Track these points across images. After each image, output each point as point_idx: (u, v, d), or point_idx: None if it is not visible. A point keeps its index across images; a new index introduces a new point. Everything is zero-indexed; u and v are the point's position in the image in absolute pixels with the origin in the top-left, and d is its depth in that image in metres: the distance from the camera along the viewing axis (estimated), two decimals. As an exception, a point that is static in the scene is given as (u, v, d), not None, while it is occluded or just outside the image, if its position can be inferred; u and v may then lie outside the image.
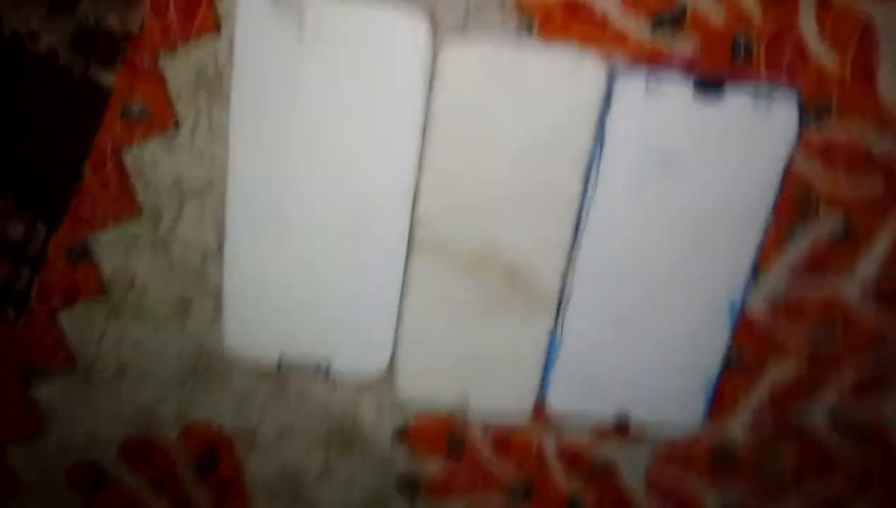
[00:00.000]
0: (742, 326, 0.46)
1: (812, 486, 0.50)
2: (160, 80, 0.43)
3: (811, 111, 0.42)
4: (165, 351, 0.48)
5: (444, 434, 0.50)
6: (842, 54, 0.41)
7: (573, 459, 0.50)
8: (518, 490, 0.51)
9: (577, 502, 0.51)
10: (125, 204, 0.45)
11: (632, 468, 0.50)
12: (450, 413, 0.49)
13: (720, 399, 0.48)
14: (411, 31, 0.39)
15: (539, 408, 0.48)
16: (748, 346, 0.47)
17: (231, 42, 0.41)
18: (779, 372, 0.48)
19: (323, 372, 0.47)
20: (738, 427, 0.49)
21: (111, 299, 0.47)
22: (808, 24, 0.41)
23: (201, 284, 0.47)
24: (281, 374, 0.49)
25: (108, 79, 0.43)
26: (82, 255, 0.46)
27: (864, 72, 0.42)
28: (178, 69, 0.42)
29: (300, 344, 0.47)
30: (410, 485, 0.51)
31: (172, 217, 0.45)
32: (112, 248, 0.46)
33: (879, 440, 0.50)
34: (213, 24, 0.42)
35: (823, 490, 0.51)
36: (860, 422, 0.49)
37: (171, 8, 0.41)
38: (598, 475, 0.50)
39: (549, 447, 0.50)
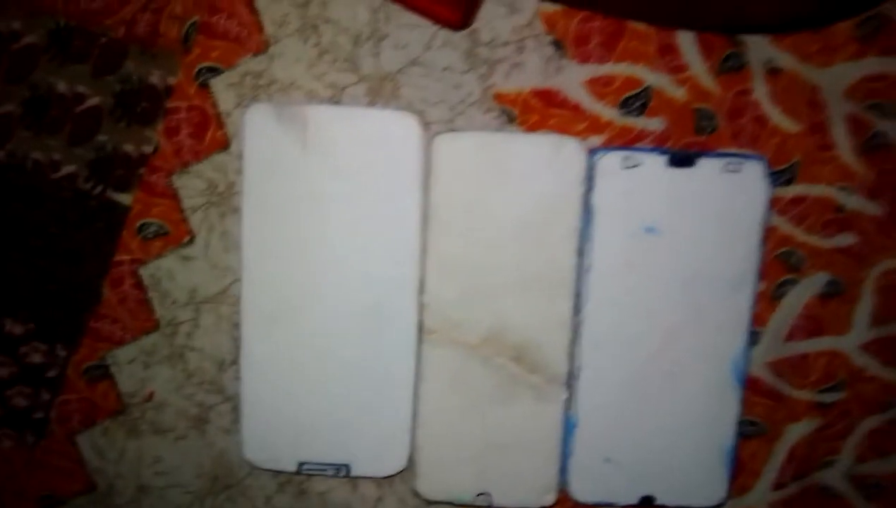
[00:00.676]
0: (750, 391, 0.47)
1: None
2: (174, 197, 0.46)
3: (778, 173, 0.46)
4: (185, 466, 0.49)
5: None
6: (797, 118, 0.45)
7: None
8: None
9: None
10: (142, 319, 0.47)
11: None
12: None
13: (741, 470, 0.49)
14: (405, 129, 0.43)
15: (563, 497, 0.48)
16: (760, 412, 0.48)
17: (239, 156, 0.45)
18: (793, 436, 0.49)
19: (343, 476, 0.47)
20: (761, 497, 0.49)
21: (130, 416, 0.48)
22: (761, 93, 0.45)
23: (218, 395, 0.48)
24: (300, 484, 0.49)
25: (125, 199, 0.46)
26: (101, 374, 0.48)
27: (820, 132, 0.46)
28: (191, 186, 0.46)
29: (319, 450, 0.47)
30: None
31: (188, 329, 0.47)
32: (130, 364, 0.48)
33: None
34: (222, 141, 0.46)
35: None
36: (880, 479, 0.49)
37: (184, 130, 0.45)
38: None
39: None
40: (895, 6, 0.44)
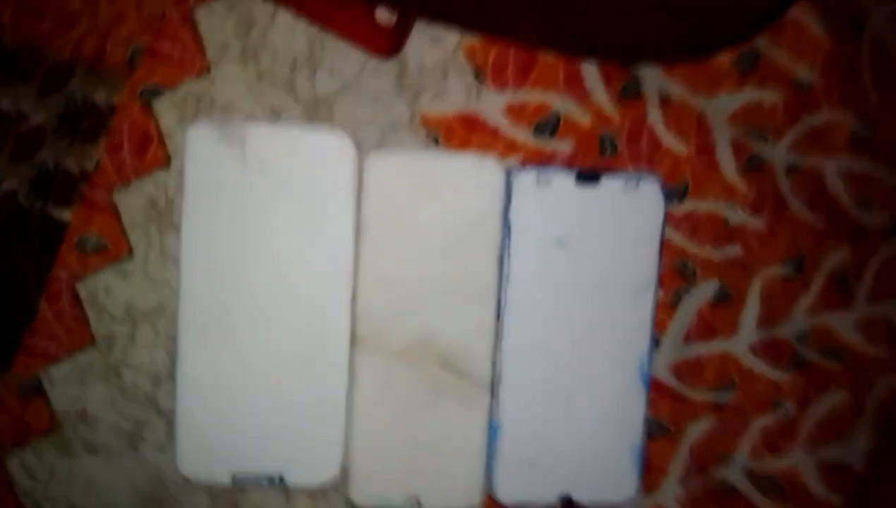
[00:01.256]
0: (654, 392, 0.52)
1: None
2: (114, 213, 0.48)
3: (672, 191, 0.51)
4: (118, 485, 0.49)
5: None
6: (687, 141, 0.52)
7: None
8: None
9: None
10: (78, 334, 0.48)
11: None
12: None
13: (649, 468, 0.52)
14: (338, 148, 0.47)
15: (489, 502, 0.50)
16: (663, 412, 0.52)
17: (180, 173, 0.47)
18: (693, 434, 0.53)
19: (277, 485, 0.48)
20: (669, 494, 0.53)
21: (62, 435, 0.48)
22: (655, 119, 0.51)
23: (153, 411, 0.49)
24: (234, 500, 0.50)
25: (65, 215, 0.47)
26: (34, 392, 0.48)
27: (707, 154, 0.52)
28: (132, 202, 0.48)
29: (253, 461, 0.48)
30: None
31: (124, 344, 0.48)
32: (64, 381, 0.48)
33: (799, 492, 0.54)
34: (163, 158, 0.48)
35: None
36: (775, 475, 0.54)
37: (126, 148, 0.48)
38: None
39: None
40: (769, 43, 0.52)
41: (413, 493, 0.49)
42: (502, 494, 0.50)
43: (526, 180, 0.48)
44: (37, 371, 0.48)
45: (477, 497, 0.50)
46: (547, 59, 0.51)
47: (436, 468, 0.49)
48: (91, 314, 0.48)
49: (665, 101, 0.51)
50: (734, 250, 0.52)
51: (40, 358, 0.48)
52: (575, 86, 0.51)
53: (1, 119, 0.47)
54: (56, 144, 0.47)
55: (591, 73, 0.51)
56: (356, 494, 0.49)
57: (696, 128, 0.51)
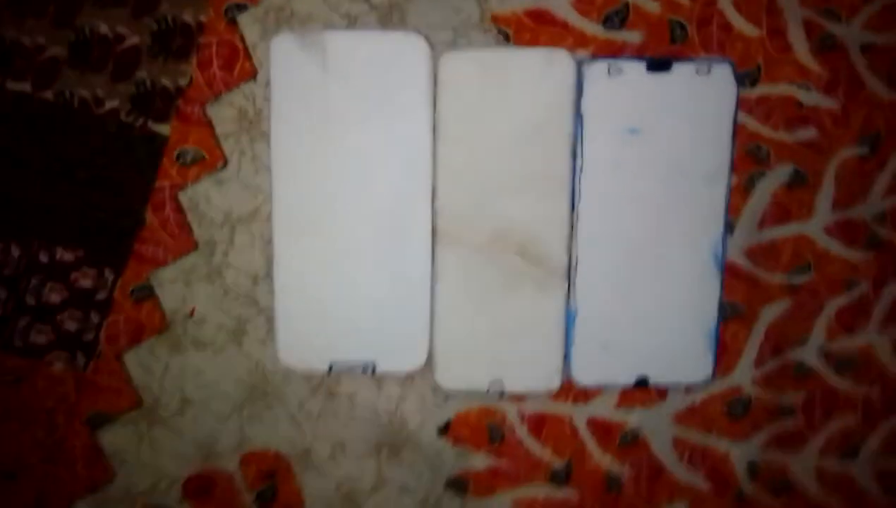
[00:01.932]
0: (729, 276, 0.53)
1: (823, 426, 0.55)
2: (208, 126, 0.51)
3: (744, 75, 0.52)
4: (224, 377, 0.53)
5: (484, 426, 0.54)
6: (757, 24, 0.52)
7: (604, 433, 0.54)
8: (560, 473, 0.55)
9: (616, 478, 0.55)
10: (183, 240, 0.52)
11: (658, 435, 0.55)
12: (486, 403, 0.54)
13: (724, 351, 0.54)
14: (414, 49, 0.49)
15: (567, 384, 0.53)
16: (738, 295, 0.54)
17: (266, 85, 0.50)
18: (768, 317, 0.54)
19: (369, 373, 0.52)
20: (745, 376, 0.54)
21: (173, 333, 0.52)
22: (725, 3, 0.51)
23: (254, 308, 0.53)
24: (330, 388, 0.54)
25: (164, 129, 0.51)
26: (146, 294, 0.52)
27: (778, 36, 0.52)
28: (223, 114, 0.51)
29: (347, 351, 0.51)
30: (459, 484, 0.54)
31: (224, 248, 0.52)
32: (172, 284, 0.52)
33: (874, 371, 0.55)
34: (250, 71, 0.51)
35: (835, 429, 0.55)
36: (850, 355, 0.55)
37: (215, 63, 0.51)
38: (630, 447, 0.55)
39: (581, 424, 0.54)
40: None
41: (495, 377, 0.52)
42: (580, 376, 0.52)
43: (597, 70, 0.49)
44: (147, 275, 0.52)
45: (556, 379, 0.52)
46: (614, -50, 0.51)
47: (516, 352, 0.52)
48: (193, 221, 0.52)
49: (735, -17, 0.52)
50: (808, 132, 0.52)
51: (149, 263, 0.52)
52: (643, -26, 0.51)
53: (100, 41, 0.50)
54: (151, 63, 0.50)
55: (658, -40, 0.51)
56: (442, 379, 0.52)
57: (767, 10, 0.51)
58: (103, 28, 0.50)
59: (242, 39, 0.50)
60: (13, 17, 0.50)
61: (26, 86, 0.50)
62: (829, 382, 0.55)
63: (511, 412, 0.54)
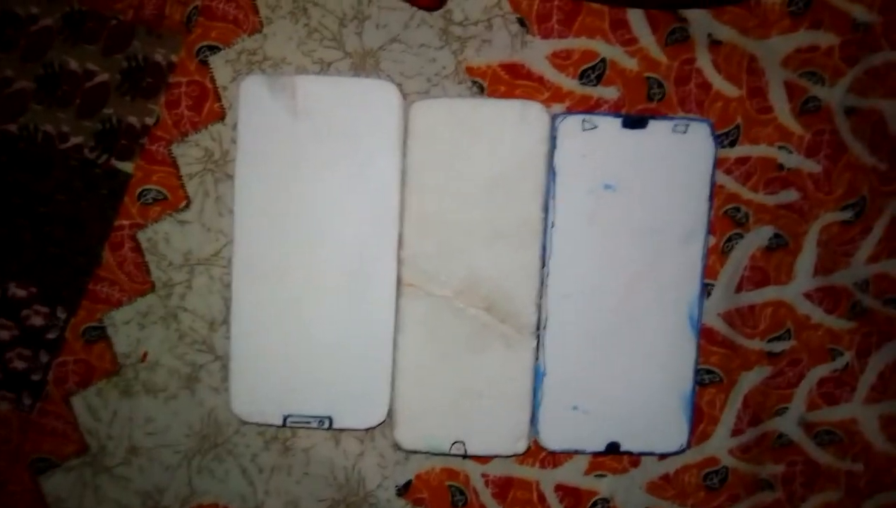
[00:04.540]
0: (706, 341, 0.51)
1: (804, 502, 0.52)
2: (173, 165, 0.50)
3: (723, 135, 0.51)
4: (175, 425, 0.51)
5: (446, 488, 0.52)
6: (737, 84, 0.51)
7: (573, 501, 0.52)
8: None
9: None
10: (139, 281, 0.50)
11: (630, 505, 0.52)
12: (449, 464, 0.51)
13: (700, 418, 0.52)
14: (385, 96, 0.48)
15: (534, 447, 0.50)
16: (715, 361, 0.52)
17: (234, 127, 0.49)
18: (746, 384, 0.52)
19: (326, 428, 0.49)
20: (721, 445, 0.52)
21: (124, 377, 0.51)
22: (704, 62, 0.50)
23: (209, 354, 0.51)
24: (285, 441, 0.51)
25: (127, 167, 0.50)
26: (98, 335, 0.50)
27: (759, 97, 0.51)
28: (189, 154, 0.50)
29: (304, 404, 0.49)
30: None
31: (182, 290, 0.50)
32: (126, 326, 0.50)
33: (858, 445, 0.52)
34: (219, 113, 0.50)
35: (817, 506, 0.52)
36: (833, 428, 0.52)
37: (184, 103, 0.50)
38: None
39: (549, 489, 0.52)
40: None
41: (459, 437, 0.50)
42: (548, 440, 0.50)
43: (571, 125, 0.48)
44: (100, 316, 0.50)
45: (523, 442, 0.50)
46: (591, 7, 0.50)
47: (481, 412, 0.50)
48: (151, 261, 0.50)
49: (714, 45, 0.50)
50: (789, 195, 0.51)
51: (104, 303, 0.50)
52: (621, 32, 0.50)
53: (68, 77, 0.50)
54: (119, 101, 0.50)
55: (636, 18, 0.50)
56: (402, 437, 0.50)
57: (748, 70, 0.51)
58: (73, 64, 0.50)
59: (213, 80, 0.50)
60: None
61: (-11, 119, 0.50)
62: (811, 455, 0.52)
63: (475, 474, 0.52)
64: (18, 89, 0.49)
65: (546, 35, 0.50)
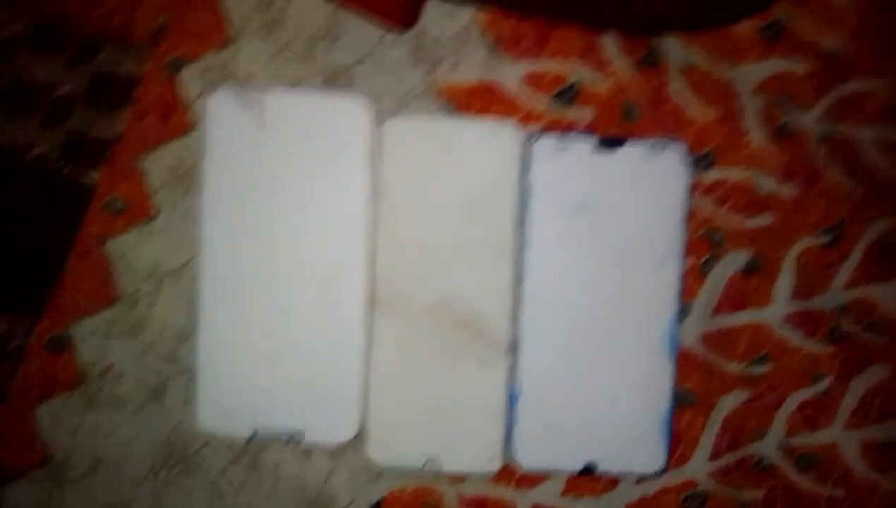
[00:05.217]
0: (683, 363, 0.50)
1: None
2: (140, 176, 0.49)
3: (698, 159, 0.50)
4: (140, 439, 0.50)
5: (420, 506, 0.51)
6: (711, 108, 0.50)
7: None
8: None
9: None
10: (105, 291, 0.50)
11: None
12: (422, 483, 0.51)
13: (678, 441, 0.51)
14: (356, 113, 0.47)
15: (509, 467, 0.50)
16: (693, 383, 0.51)
17: (202, 138, 0.48)
18: (725, 407, 0.51)
19: (295, 444, 0.49)
20: (700, 469, 0.51)
21: (88, 388, 0.50)
22: (678, 87, 0.50)
23: (176, 366, 0.50)
24: (254, 456, 0.51)
25: (93, 177, 0.49)
26: (62, 345, 0.50)
27: (733, 121, 0.50)
28: (156, 166, 0.49)
29: (273, 418, 0.49)
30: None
31: (149, 301, 0.50)
32: (91, 336, 0.50)
33: (839, 471, 0.52)
34: (186, 126, 0.49)
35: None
36: (814, 453, 0.52)
37: (151, 115, 0.49)
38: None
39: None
40: (793, 12, 0.50)
41: (432, 454, 0.49)
42: (523, 459, 0.49)
43: (545, 145, 0.48)
44: (65, 325, 0.50)
45: (497, 461, 0.49)
46: (564, 31, 0.50)
47: (455, 430, 0.49)
48: (117, 272, 0.50)
49: (687, 70, 0.50)
50: (765, 219, 0.51)
51: (69, 313, 0.50)
52: (593, 55, 0.50)
53: (33, 88, 0.49)
54: (84, 112, 0.49)
55: (609, 42, 0.50)
56: (375, 453, 0.49)
57: (722, 95, 0.50)
58: (38, 74, 0.49)
59: (180, 93, 0.49)
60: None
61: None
62: (792, 480, 0.52)
63: (449, 493, 0.51)
64: (-18, 98, 0.49)
65: (519, 56, 0.50)
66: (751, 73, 0.50)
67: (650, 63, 0.50)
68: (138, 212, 0.50)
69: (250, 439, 0.49)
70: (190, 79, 0.49)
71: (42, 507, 0.50)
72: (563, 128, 0.50)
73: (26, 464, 0.50)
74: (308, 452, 0.51)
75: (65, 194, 0.49)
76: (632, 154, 0.48)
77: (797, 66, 0.50)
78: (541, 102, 0.50)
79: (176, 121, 0.50)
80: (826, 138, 0.50)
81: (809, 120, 0.50)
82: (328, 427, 0.49)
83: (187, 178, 0.50)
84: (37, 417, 0.50)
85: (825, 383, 0.51)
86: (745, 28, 0.50)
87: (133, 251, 0.50)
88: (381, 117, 0.48)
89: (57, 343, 0.50)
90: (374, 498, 0.51)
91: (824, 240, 0.51)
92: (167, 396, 0.50)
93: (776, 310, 0.51)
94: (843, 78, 0.50)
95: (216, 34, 0.49)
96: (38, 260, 0.49)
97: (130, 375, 0.50)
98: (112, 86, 0.49)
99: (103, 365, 0.50)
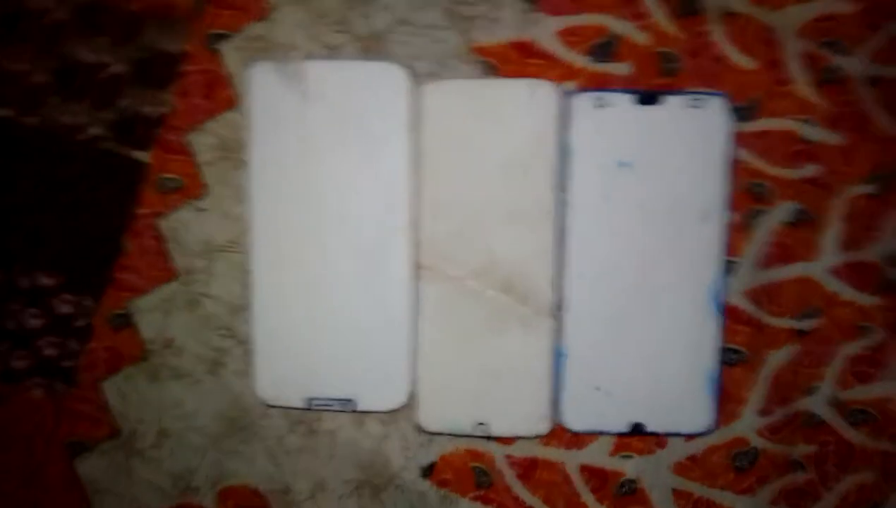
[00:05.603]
0: (730, 319, 0.50)
1: (838, 483, 0.51)
2: (189, 154, 0.51)
3: (740, 109, 0.49)
4: (202, 409, 0.52)
5: (471, 470, 0.52)
6: (754, 56, 0.49)
7: (599, 482, 0.52)
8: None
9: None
10: (162, 268, 0.51)
11: (657, 486, 0.52)
12: (473, 445, 0.52)
13: (726, 398, 0.51)
14: (394, 79, 0.48)
15: (558, 428, 0.50)
16: (741, 340, 0.51)
17: (247, 113, 0.49)
18: (775, 363, 0.51)
19: (348, 411, 0.50)
20: (750, 426, 0.51)
21: (151, 363, 0.52)
22: (718, 35, 0.49)
23: (233, 339, 0.52)
24: (311, 423, 0.52)
25: (144, 157, 0.51)
26: (124, 322, 0.52)
27: (777, 69, 0.49)
28: (204, 142, 0.51)
29: (326, 386, 0.50)
30: (443, 527, 0.53)
31: (203, 277, 0.51)
32: (151, 312, 0.52)
33: (894, 425, 0.51)
34: (231, 99, 0.50)
35: (851, 486, 0.51)
36: (866, 407, 0.51)
37: (196, 91, 0.50)
38: (627, 498, 0.52)
39: (574, 471, 0.52)
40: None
41: (481, 418, 0.50)
42: (570, 421, 0.50)
43: (584, 103, 0.48)
44: (125, 303, 0.52)
45: (544, 423, 0.50)
46: (600, -20, 0.50)
47: (502, 393, 0.50)
48: (172, 249, 0.51)
49: (727, 16, 0.49)
50: (811, 169, 0.50)
51: (128, 290, 0.52)
52: (630, 6, 0.49)
53: (83, 69, 0.51)
54: (132, 91, 0.50)
55: (646, -11, 0.50)
56: (424, 419, 0.50)
57: (764, 42, 0.49)
58: (86, 55, 0.50)
59: (224, 68, 0.50)
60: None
61: (9, 112, 0.51)
62: (844, 435, 0.51)
63: (499, 455, 0.52)
64: (36, 82, 0.51)
65: (554, 12, 0.49)
66: (794, 16, 0.49)
67: (689, 11, 0.49)
68: (190, 188, 0.51)
69: (306, 408, 0.50)
70: (232, 52, 0.50)
71: (113, 478, 0.52)
72: (602, 83, 0.50)
73: (97, 438, 0.52)
74: (361, 419, 0.52)
75: (119, 174, 0.51)
76: (672, 107, 0.48)
77: (842, 6, 0.49)
78: (579, 59, 0.50)
79: (221, 95, 0.51)
80: (874, 82, 0.49)
81: (856, 63, 0.49)
82: (379, 394, 0.50)
83: (235, 153, 0.50)
84: (104, 392, 0.52)
85: (876, 336, 0.51)
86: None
87: (186, 228, 0.51)
88: (418, 81, 0.49)
89: (119, 320, 0.52)
90: (426, 462, 0.52)
91: (872, 189, 0.50)
92: (225, 368, 0.52)
93: (824, 262, 0.50)
94: (893, 16, 0.49)
95: (254, 5, 0.50)
96: (97, 242, 0.51)
97: (190, 349, 0.52)
98: (157, 64, 0.50)
99: (164, 340, 0.52)
